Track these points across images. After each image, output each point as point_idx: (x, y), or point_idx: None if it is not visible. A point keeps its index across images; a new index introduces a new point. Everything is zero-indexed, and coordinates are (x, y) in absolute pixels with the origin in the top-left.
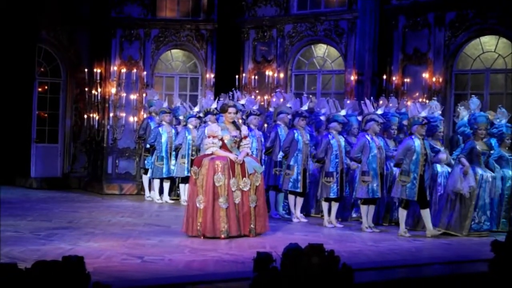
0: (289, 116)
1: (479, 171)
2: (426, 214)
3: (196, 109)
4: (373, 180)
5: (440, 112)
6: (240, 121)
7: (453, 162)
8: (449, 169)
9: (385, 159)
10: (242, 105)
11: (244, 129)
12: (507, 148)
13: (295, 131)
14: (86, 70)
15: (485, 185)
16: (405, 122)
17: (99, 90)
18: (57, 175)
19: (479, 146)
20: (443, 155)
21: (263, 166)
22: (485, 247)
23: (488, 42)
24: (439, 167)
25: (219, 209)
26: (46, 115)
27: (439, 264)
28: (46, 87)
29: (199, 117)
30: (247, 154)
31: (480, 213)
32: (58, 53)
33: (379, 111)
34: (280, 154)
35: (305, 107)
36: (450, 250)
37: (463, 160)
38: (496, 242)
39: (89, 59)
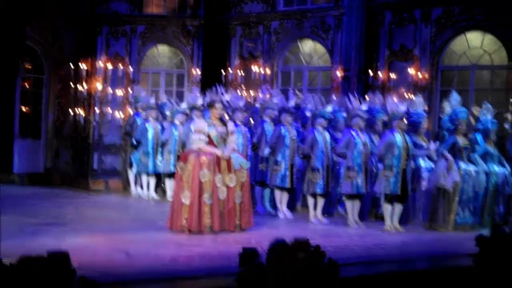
0: (276, 112)
1: (462, 165)
2: (397, 209)
3: (184, 105)
4: (358, 176)
5: (425, 108)
6: (226, 117)
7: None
8: (433, 164)
9: (370, 154)
10: (227, 101)
11: (231, 125)
12: (492, 143)
13: (281, 127)
14: (71, 66)
15: (468, 180)
16: (385, 118)
17: (85, 86)
18: (40, 171)
19: (461, 141)
20: (433, 146)
21: (249, 162)
22: (470, 241)
23: (474, 38)
24: (422, 162)
25: (204, 205)
26: (28, 110)
27: (424, 259)
28: (28, 83)
29: (186, 113)
30: (233, 150)
31: (464, 207)
32: (42, 50)
33: (364, 107)
34: (267, 150)
35: (291, 103)
36: (435, 245)
37: (447, 154)
38: (480, 236)
39: (74, 55)
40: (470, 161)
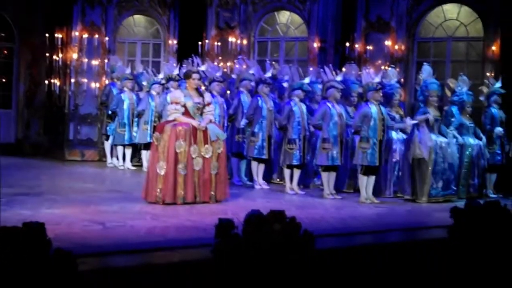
0: (252, 83)
1: (433, 136)
2: (371, 180)
3: (161, 75)
4: (333, 148)
5: (399, 80)
6: (203, 87)
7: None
8: (404, 136)
9: (346, 126)
10: (203, 71)
11: (207, 96)
12: (467, 116)
13: (258, 98)
14: (47, 35)
15: (439, 151)
16: (360, 90)
17: (60, 55)
18: (11, 141)
19: (432, 112)
20: (410, 121)
21: (226, 133)
22: (445, 213)
23: (450, 10)
24: (394, 134)
25: (179, 175)
26: None
27: (399, 231)
28: None
29: (162, 84)
30: (210, 121)
31: (438, 179)
32: (12, 18)
33: (338, 78)
34: (244, 121)
35: (268, 74)
36: (410, 217)
37: (418, 117)
38: (455, 208)
39: (46, 24)
40: (440, 133)
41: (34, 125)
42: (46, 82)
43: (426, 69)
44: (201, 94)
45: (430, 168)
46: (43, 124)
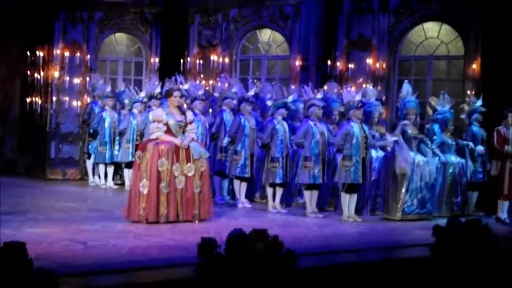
0: (235, 101)
1: (411, 154)
2: (353, 198)
3: (143, 94)
4: (315, 166)
5: (378, 98)
6: (185, 106)
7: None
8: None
9: (328, 144)
10: (186, 90)
11: (190, 114)
12: (449, 134)
13: (241, 116)
14: (28, 52)
15: (416, 169)
16: (341, 109)
17: (41, 73)
18: None
19: (410, 130)
20: (391, 138)
21: (208, 152)
22: (426, 231)
23: (431, 28)
24: (373, 152)
25: (161, 194)
26: None
27: (382, 249)
28: None
29: (144, 102)
30: (192, 139)
31: (413, 196)
32: None
33: (319, 96)
34: (226, 140)
35: (251, 92)
36: (392, 235)
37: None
38: (437, 226)
39: (25, 40)
40: (419, 150)
41: (8, 141)
42: (28, 99)
43: (406, 87)
44: (183, 112)
45: (404, 185)
46: (17, 141)
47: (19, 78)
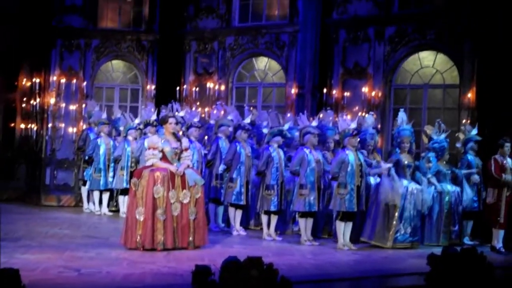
0: (230, 129)
1: (405, 182)
2: (348, 226)
3: (137, 120)
4: (310, 193)
5: (377, 126)
6: (181, 133)
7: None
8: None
9: (324, 172)
10: (181, 117)
11: (185, 141)
12: (444, 162)
13: (237, 143)
14: (24, 79)
15: (410, 197)
16: (336, 137)
17: (37, 100)
18: None
19: (405, 158)
20: (385, 165)
21: (204, 179)
22: (421, 260)
23: (427, 57)
24: (372, 180)
25: (157, 221)
26: None
27: (377, 277)
28: None
29: (139, 129)
30: (188, 166)
31: (406, 225)
32: None
33: (314, 124)
34: (222, 167)
35: (247, 120)
36: (387, 263)
37: (384, 166)
38: (432, 255)
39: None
40: (414, 179)
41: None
42: (23, 126)
43: (401, 115)
44: (178, 139)
45: (397, 213)
46: (26, 169)
47: (2, 105)
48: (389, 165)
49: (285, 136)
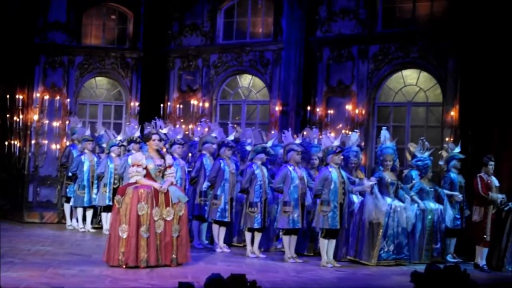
0: (214, 146)
1: (388, 200)
2: (332, 244)
3: (119, 137)
4: (294, 211)
5: (360, 144)
6: (164, 150)
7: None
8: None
9: (308, 189)
10: (165, 134)
11: (169, 158)
12: (427, 180)
13: (221, 161)
14: (7, 96)
15: (393, 215)
16: (320, 154)
17: (20, 116)
18: None
19: (388, 176)
20: (368, 182)
21: (187, 196)
22: (405, 277)
23: (410, 75)
24: (355, 197)
25: (141, 238)
26: None
27: None
28: None
29: (122, 145)
30: (172, 183)
31: (389, 242)
32: None
33: (297, 141)
34: (206, 184)
35: (231, 137)
36: (371, 280)
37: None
38: (415, 273)
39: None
40: (397, 196)
41: None
42: (6, 143)
43: (383, 133)
44: (162, 156)
45: (381, 231)
46: (9, 185)
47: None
48: (372, 182)
49: (268, 153)
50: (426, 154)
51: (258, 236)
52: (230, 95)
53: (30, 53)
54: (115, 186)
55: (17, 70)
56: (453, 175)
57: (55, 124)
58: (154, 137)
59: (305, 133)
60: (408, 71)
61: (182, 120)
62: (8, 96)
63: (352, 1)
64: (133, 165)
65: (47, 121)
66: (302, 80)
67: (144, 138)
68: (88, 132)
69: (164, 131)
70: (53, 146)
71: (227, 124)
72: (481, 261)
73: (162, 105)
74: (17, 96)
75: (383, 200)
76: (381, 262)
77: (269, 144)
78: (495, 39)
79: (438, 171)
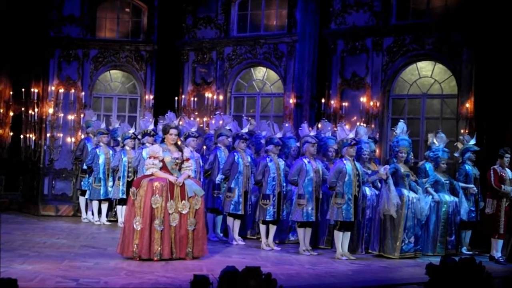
0: (229, 139)
1: (405, 192)
2: (347, 236)
3: (132, 130)
4: (308, 204)
5: (375, 136)
6: (179, 142)
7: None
8: (377, 192)
9: (322, 182)
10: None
11: (187, 151)
12: (442, 172)
13: (235, 153)
14: (22, 89)
15: (411, 206)
16: (335, 146)
17: (36, 110)
18: None
19: (402, 168)
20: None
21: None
22: (420, 269)
23: (425, 67)
24: (368, 190)
25: (155, 231)
26: None
27: (375, 287)
28: None
29: (135, 138)
30: (189, 177)
31: (409, 234)
32: None
33: (312, 133)
34: (220, 177)
35: (245, 130)
36: (385, 273)
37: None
38: (430, 265)
39: (24, 77)
40: (411, 188)
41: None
42: (22, 136)
43: (400, 125)
44: (180, 149)
45: (402, 223)
46: (24, 179)
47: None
48: (387, 168)
49: (276, 143)
50: (441, 146)
51: (273, 229)
52: (244, 88)
53: (45, 46)
54: (129, 179)
55: (32, 64)
56: (468, 167)
57: (70, 117)
58: (172, 131)
59: (319, 125)
60: (423, 63)
61: (196, 113)
62: (23, 89)
63: None
64: (150, 157)
65: (62, 115)
66: (316, 72)
67: (163, 131)
68: (103, 125)
69: (180, 123)
70: (68, 139)
71: (241, 116)
72: (497, 253)
73: (176, 98)
74: (32, 90)
75: (395, 192)
76: (403, 255)
77: (278, 135)
78: (510, 30)
79: (454, 163)
